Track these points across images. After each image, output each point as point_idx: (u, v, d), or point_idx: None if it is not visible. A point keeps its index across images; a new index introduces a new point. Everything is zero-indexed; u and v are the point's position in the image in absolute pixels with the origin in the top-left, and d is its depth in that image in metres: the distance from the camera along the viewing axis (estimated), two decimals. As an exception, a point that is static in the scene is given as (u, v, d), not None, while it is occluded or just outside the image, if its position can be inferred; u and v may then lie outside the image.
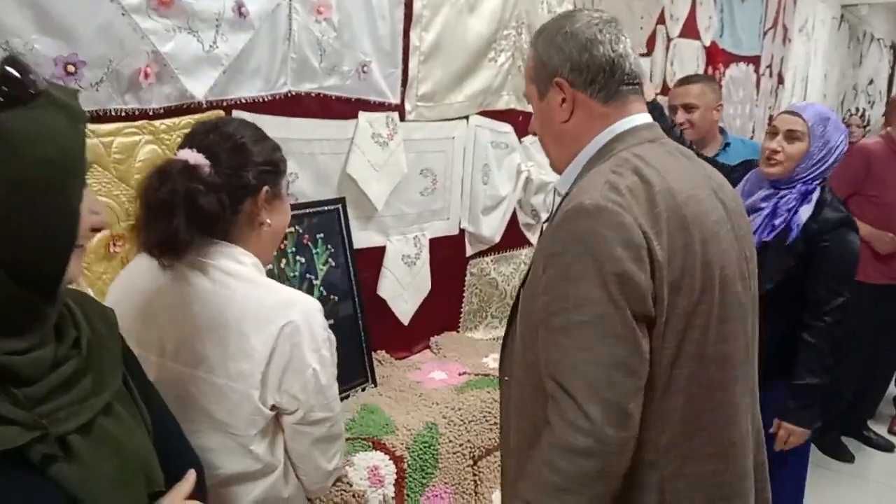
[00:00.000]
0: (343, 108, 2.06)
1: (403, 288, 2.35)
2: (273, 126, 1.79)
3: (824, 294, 1.90)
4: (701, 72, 4.01)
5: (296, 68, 1.89)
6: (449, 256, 2.53)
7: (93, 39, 1.39)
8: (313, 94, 1.96)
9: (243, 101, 1.78)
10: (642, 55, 3.46)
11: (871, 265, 3.11)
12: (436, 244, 2.46)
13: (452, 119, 2.43)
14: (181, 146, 1.21)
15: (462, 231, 2.56)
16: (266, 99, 1.84)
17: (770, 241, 1.91)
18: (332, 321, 1.84)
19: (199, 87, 1.63)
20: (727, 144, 2.76)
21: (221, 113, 1.72)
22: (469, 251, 2.61)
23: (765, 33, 4.84)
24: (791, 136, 1.92)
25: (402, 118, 2.24)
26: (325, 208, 2.06)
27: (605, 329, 0.96)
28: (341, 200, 2.10)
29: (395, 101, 2.21)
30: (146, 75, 1.50)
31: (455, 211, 2.52)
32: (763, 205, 1.95)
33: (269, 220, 1.24)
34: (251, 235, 1.23)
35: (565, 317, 0.98)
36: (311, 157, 2.01)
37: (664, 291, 0.99)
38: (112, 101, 1.46)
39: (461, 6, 2.32)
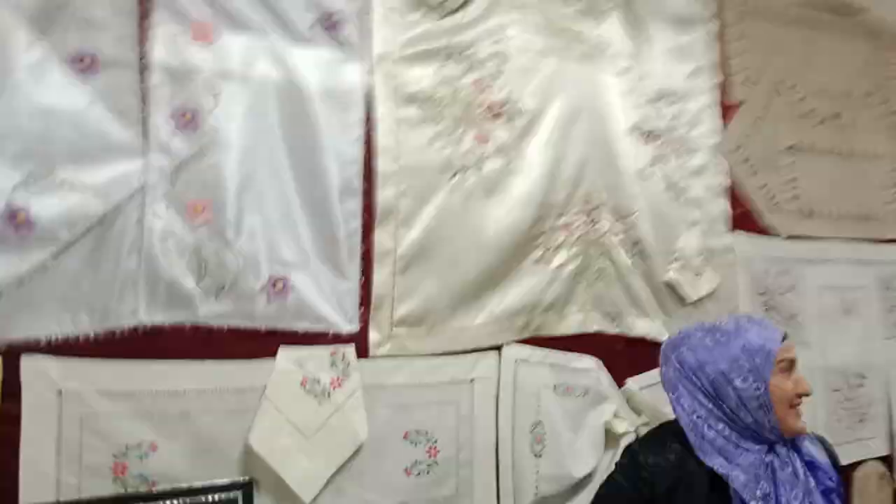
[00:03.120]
0: (247, 344, 1.39)
1: None
2: (114, 375, 1.25)
3: None
4: None
5: (150, 291, 1.32)
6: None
7: None
8: (185, 328, 1.35)
9: (47, 341, 1.24)
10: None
11: None
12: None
13: (466, 352, 1.57)
14: None
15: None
16: (97, 337, 1.28)
17: None
18: None
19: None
20: None
21: (-4, 360, 1.20)
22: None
23: None
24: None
25: (365, 353, 1.48)
26: (210, 498, 1.33)
27: None
28: (245, 486, 1.35)
29: (350, 328, 1.47)
30: None
31: (485, 501, 1.56)
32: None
33: None
34: None
35: None
36: (184, 420, 1.33)
37: None
38: None
39: (469, 188, 1.58)
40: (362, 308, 1.48)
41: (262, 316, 1.39)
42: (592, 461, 1.61)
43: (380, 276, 1.49)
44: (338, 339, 1.46)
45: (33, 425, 1.23)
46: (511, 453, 1.57)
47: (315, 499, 1.39)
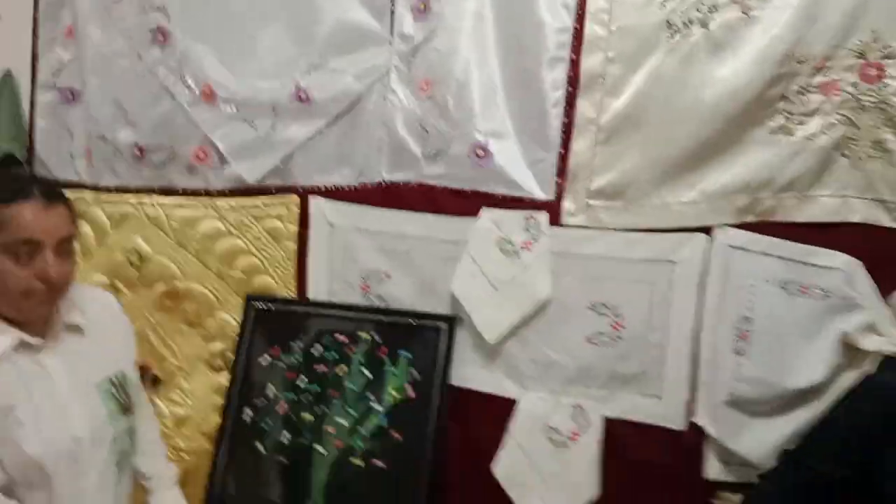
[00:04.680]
0: (458, 202, 1.61)
1: (540, 477, 1.53)
2: (365, 217, 1.69)
3: None
4: None
5: (391, 154, 1.66)
6: (654, 462, 1.45)
7: (155, 128, 1.75)
8: (414, 185, 1.65)
9: (324, 188, 1.72)
10: None
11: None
12: (626, 432, 1.48)
13: (669, 230, 1.44)
14: None
15: (696, 430, 1.42)
16: (356, 187, 1.70)
17: None
18: (384, 466, 1.59)
19: (252, 171, 1.72)
20: None
21: (295, 198, 1.73)
22: (711, 471, 1.41)
23: None
24: None
25: (557, 222, 1.52)
26: (423, 322, 1.64)
27: None
28: (451, 319, 1.62)
29: (545, 196, 1.53)
30: (201, 158, 1.74)
31: (674, 387, 1.44)
32: None
33: None
34: None
35: None
36: (407, 258, 1.66)
37: None
38: (177, 179, 1.77)
39: (691, 47, 1.39)
40: (559, 178, 1.52)
41: (468, 178, 1.58)
42: (816, 376, 1.31)
43: (579, 146, 1.49)
44: (533, 205, 1.54)
45: (316, 247, 1.74)
46: (713, 348, 1.40)
47: (502, 343, 1.56)
